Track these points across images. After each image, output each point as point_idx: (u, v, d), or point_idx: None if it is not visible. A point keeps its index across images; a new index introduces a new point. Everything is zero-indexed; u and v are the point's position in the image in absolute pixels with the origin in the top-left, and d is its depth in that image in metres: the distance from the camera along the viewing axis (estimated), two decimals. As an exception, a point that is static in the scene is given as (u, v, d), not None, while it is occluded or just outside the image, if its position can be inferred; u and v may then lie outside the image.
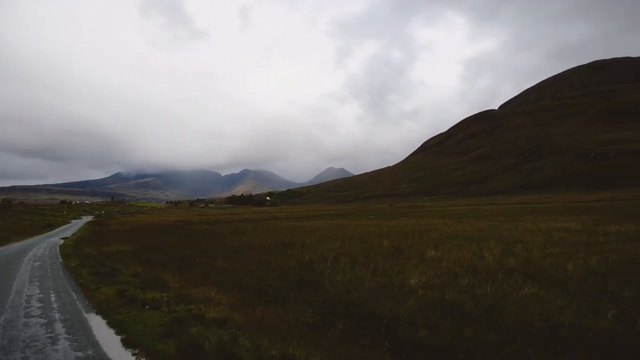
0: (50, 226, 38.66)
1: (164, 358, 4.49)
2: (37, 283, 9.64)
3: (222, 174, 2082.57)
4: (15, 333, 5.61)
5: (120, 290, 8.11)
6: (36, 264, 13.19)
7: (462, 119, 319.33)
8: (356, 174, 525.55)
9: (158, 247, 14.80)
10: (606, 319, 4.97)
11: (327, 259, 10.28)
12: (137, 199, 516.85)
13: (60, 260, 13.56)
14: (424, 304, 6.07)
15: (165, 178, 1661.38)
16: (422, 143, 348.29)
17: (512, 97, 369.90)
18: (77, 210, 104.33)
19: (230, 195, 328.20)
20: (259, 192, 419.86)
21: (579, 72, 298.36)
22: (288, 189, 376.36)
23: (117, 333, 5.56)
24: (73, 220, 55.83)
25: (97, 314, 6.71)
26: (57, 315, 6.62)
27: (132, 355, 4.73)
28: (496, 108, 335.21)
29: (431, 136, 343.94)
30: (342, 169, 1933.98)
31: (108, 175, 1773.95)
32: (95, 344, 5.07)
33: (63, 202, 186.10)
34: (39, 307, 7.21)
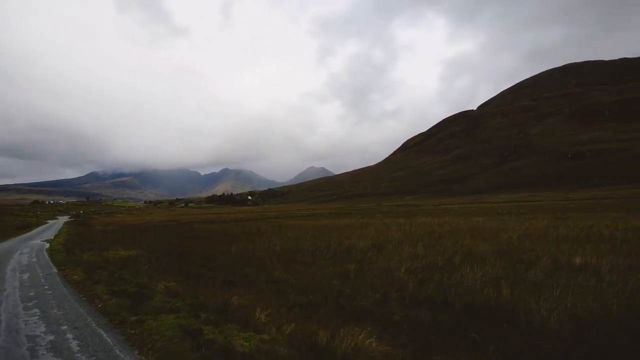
0: (26, 227, 35.75)
1: None
2: (37, 310, 6.78)
3: (202, 173, 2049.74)
4: None
5: (182, 326, 5.33)
6: (25, 276, 10.50)
7: (442, 118, 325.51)
8: (337, 173, 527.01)
9: (172, 252, 12.58)
10: None
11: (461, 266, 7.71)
12: (114, 199, 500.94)
13: (56, 271, 11.10)
14: None
15: (143, 177, 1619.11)
16: (403, 142, 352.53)
17: (490, 97, 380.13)
18: (52, 210, 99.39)
19: (210, 195, 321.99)
20: (240, 192, 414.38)
21: (553, 75, 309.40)
22: (269, 189, 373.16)
23: None
24: (49, 221, 52.43)
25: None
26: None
27: None
28: (475, 108, 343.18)
29: (412, 135, 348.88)
30: (323, 169, 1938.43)
31: (82, 174, 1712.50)
32: None
33: (36, 201, 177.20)
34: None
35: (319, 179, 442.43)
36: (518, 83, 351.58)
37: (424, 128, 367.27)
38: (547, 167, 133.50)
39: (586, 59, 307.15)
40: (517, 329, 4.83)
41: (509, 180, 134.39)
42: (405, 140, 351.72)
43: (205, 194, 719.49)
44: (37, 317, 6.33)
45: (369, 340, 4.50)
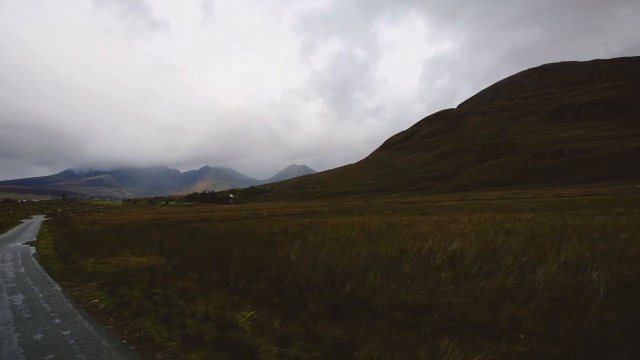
0: (0, 227, 32.94)
1: None
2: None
3: (181, 171, 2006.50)
4: None
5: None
6: (17, 298, 7.16)
7: (423, 117, 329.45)
8: (319, 171, 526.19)
9: (202, 259, 9.70)
10: None
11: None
12: (91, 197, 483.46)
13: (59, 289, 8.13)
14: None
15: (120, 175, 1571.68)
16: (385, 140, 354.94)
17: (470, 97, 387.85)
18: (25, 210, 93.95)
19: (191, 193, 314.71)
20: (221, 190, 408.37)
21: (531, 75, 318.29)
22: (251, 187, 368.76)
23: None
24: (24, 220, 48.95)
25: None
26: None
27: None
28: (455, 107, 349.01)
29: (394, 133, 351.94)
30: (304, 166, 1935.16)
31: (57, 172, 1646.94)
32: None
33: (7, 200, 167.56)
34: None
35: (301, 176, 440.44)
36: (496, 83, 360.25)
37: (405, 126, 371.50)
38: (528, 164, 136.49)
39: (561, 60, 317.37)
40: None
41: (491, 177, 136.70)
42: (387, 138, 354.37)
43: (185, 192, 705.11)
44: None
45: None
